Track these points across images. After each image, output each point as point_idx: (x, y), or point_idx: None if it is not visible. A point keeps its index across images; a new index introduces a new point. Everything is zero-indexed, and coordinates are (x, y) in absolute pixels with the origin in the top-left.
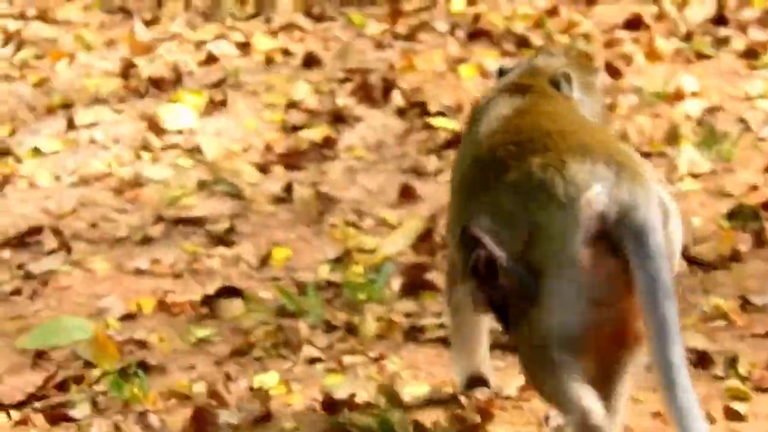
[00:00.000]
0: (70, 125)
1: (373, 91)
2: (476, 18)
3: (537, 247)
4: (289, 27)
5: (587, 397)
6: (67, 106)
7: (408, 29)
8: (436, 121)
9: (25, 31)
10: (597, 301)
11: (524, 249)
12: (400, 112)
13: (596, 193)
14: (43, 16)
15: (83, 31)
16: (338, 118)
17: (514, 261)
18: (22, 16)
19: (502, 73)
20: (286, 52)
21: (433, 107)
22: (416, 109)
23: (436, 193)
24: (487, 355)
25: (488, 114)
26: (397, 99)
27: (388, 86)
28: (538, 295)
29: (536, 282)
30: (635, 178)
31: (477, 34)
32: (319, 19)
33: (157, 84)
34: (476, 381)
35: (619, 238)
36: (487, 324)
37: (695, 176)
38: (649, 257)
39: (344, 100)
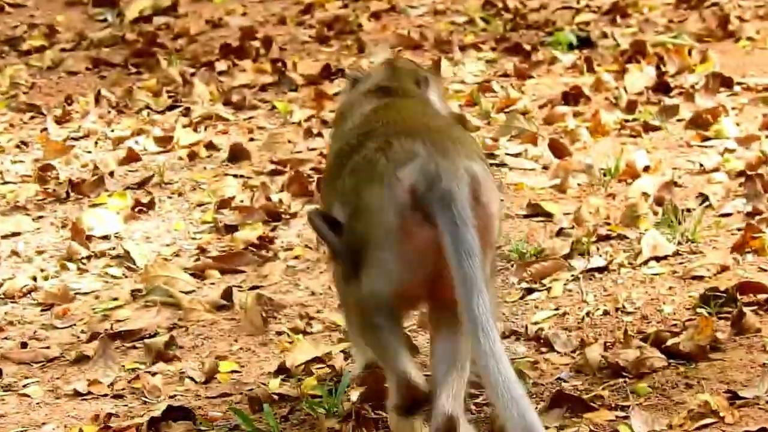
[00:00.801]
0: None
1: (307, 183)
2: None
3: (360, 220)
4: (209, 118)
5: (404, 359)
6: None
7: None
8: None
9: None
10: (413, 266)
11: (357, 223)
12: None
13: (409, 169)
14: None
15: None
16: (273, 215)
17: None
18: None
19: (355, 81)
20: (210, 146)
21: None
22: None
23: None
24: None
25: (352, 113)
26: None
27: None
28: (362, 266)
29: (360, 255)
30: (445, 154)
31: None
32: (239, 107)
33: (77, 187)
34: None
35: (429, 208)
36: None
37: (660, 259)
38: (453, 222)
39: (277, 194)
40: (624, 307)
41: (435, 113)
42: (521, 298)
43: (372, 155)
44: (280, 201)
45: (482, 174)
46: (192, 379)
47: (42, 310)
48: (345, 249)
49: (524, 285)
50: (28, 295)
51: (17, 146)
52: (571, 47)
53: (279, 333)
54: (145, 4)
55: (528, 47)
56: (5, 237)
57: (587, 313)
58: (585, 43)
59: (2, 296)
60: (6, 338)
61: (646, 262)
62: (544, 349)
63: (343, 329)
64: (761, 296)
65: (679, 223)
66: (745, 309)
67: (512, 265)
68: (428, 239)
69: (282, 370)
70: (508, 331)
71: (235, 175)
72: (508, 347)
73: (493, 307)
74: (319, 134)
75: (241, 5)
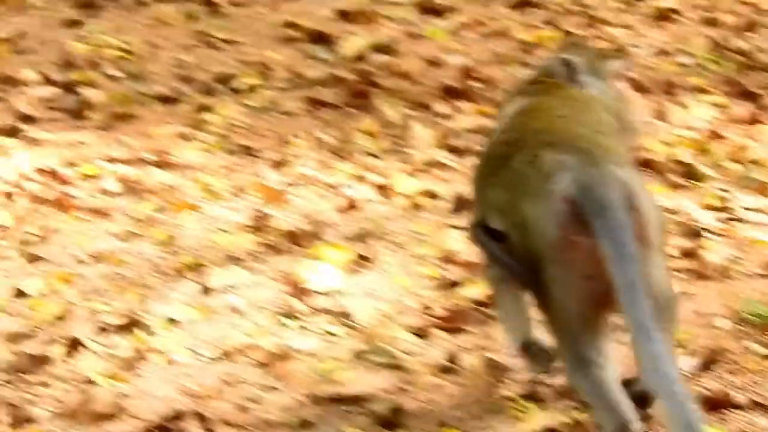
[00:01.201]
0: (205, 290)
1: None
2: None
3: (528, 236)
4: (431, 165)
5: (619, 395)
6: (198, 266)
7: None
8: None
9: (145, 179)
10: (585, 276)
11: (521, 239)
12: None
13: (562, 180)
14: (162, 161)
15: (206, 177)
16: None
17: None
18: (140, 161)
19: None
20: (433, 195)
21: None
22: None
23: None
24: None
25: (502, 114)
26: None
27: None
28: (542, 281)
29: (535, 270)
30: (595, 164)
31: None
32: (461, 153)
33: (294, 237)
34: (531, 345)
35: (586, 217)
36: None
37: None
38: (610, 229)
39: None
40: None
41: (585, 113)
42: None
43: (523, 169)
44: None
45: (634, 181)
46: None
47: (260, 370)
48: (517, 265)
49: (765, 351)
50: (246, 354)
51: (232, 192)
52: None
53: (508, 399)
54: (361, 41)
55: (761, 91)
56: (221, 290)
57: None
58: None
59: (219, 355)
60: (223, 400)
61: None
62: None
63: (577, 396)
64: None
65: None
66: None
67: (750, 329)
68: (590, 248)
69: None
70: (749, 402)
71: (459, 227)
72: (750, 420)
73: (663, 314)
74: None
75: (461, 44)
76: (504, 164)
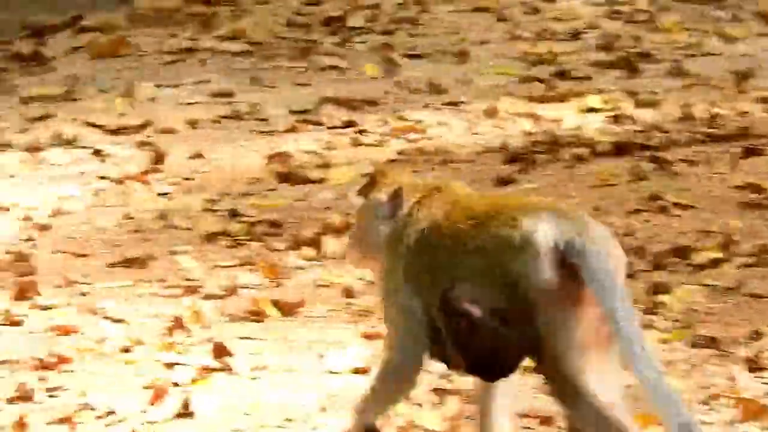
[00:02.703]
0: None
1: None
2: None
3: (518, 290)
4: None
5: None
6: None
7: None
8: None
9: None
10: (575, 315)
11: (509, 299)
12: None
13: (545, 232)
14: None
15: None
16: None
17: (494, 316)
18: None
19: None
20: None
21: None
22: None
23: None
24: None
25: (424, 210)
26: None
27: None
28: (540, 332)
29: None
30: (572, 217)
31: None
32: None
33: None
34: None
35: (571, 261)
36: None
37: None
38: (594, 269)
39: None
40: None
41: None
42: None
43: (500, 232)
44: None
45: (603, 232)
46: None
47: None
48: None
49: None
50: None
51: (701, 400)
52: None
53: None
54: None
55: None
56: None
57: None
58: None
59: None
60: None
61: None
62: None
63: None
64: None
65: None
66: None
67: None
68: (580, 288)
69: None
70: None
71: None
72: None
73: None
74: None
75: None
76: (473, 235)
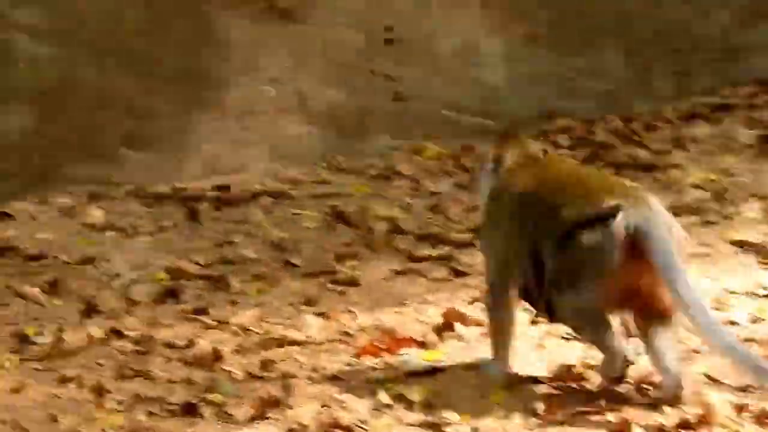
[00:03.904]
0: None
1: None
2: None
3: (585, 265)
4: None
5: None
6: None
7: None
8: None
9: None
10: (629, 284)
11: (574, 262)
12: None
13: (621, 217)
14: None
15: None
16: None
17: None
18: None
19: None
20: None
21: None
22: None
23: None
24: None
25: (520, 175)
26: None
27: None
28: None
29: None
30: (643, 204)
31: None
32: None
33: None
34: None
35: (639, 241)
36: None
37: None
38: (658, 250)
39: None
40: None
41: (593, 174)
42: None
43: (588, 210)
44: None
45: (669, 217)
46: None
47: None
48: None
49: None
50: None
51: None
52: None
53: None
54: None
55: None
56: None
57: None
58: None
59: None
60: None
61: None
62: None
63: None
64: None
65: None
66: None
67: None
68: (645, 265)
69: None
70: None
71: None
72: None
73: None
74: None
75: None
76: (564, 205)
